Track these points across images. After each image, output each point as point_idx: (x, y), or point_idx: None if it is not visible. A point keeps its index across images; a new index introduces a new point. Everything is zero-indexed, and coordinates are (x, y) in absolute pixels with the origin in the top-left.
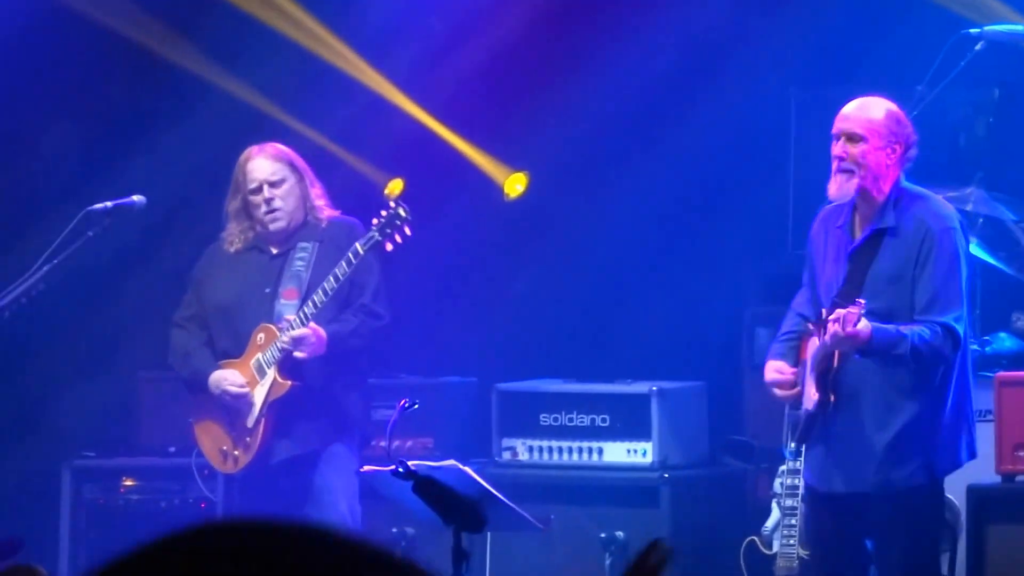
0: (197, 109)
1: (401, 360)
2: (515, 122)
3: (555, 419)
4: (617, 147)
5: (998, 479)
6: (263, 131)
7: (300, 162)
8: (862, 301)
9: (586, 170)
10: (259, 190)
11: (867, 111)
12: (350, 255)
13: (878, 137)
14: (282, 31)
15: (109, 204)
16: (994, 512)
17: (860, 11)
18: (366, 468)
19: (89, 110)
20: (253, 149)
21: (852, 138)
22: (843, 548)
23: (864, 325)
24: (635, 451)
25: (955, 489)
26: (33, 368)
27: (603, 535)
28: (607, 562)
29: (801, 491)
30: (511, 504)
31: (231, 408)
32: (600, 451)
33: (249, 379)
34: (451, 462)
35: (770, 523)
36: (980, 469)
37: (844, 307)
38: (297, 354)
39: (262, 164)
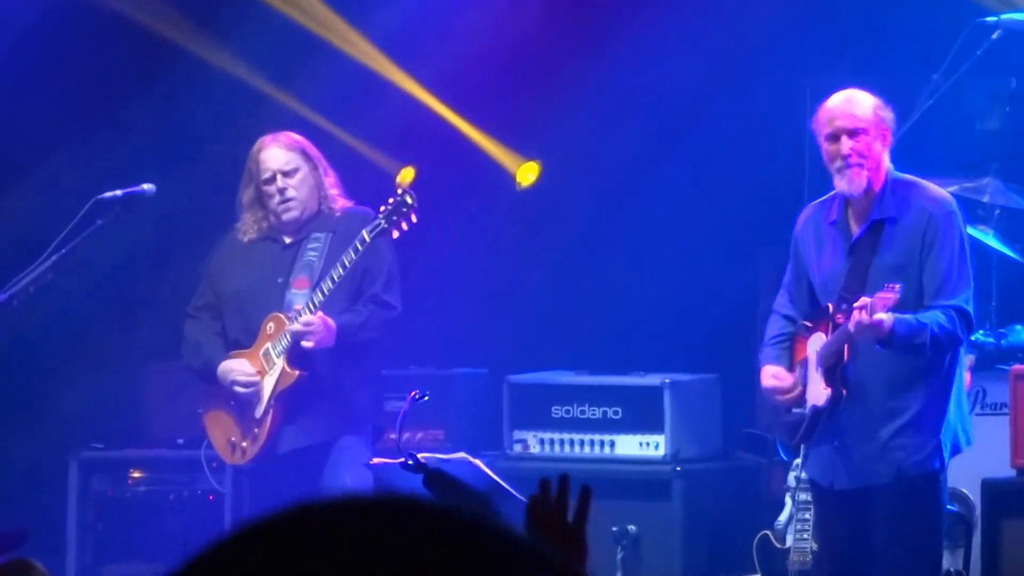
0: (206, 97)
1: (412, 351)
2: (528, 110)
3: (567, 411)
4: (631, 137)
5: (1013, 473)
6: (273, 119)
7: (314, 151)
8: (896, 286)
9: (599, 160)
10: (272, 180)
11: (857, 104)
12: (356, 243)
13: (872, 128)
14: (293, 18)
15: (119, 192)
16: (1009, 506)
17: None
18: (375, 460)
19: (97, 97)
20: (266, 138)
21: (852, 133)
22: (851, 542)
23: (887, 315)
24: (647, 444)
25: (969, 483)
26: (40, 359)
27: (615, 528)
28: (619, 556)
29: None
30: (521, 497)
31: (240, 399)
32: (612, 444)
33: (258, 369)
34: (461, 455)
35: (783, 517)
36: (995, 463)
37: (850, 301)
38: (305, 343)
39: (275, 153)
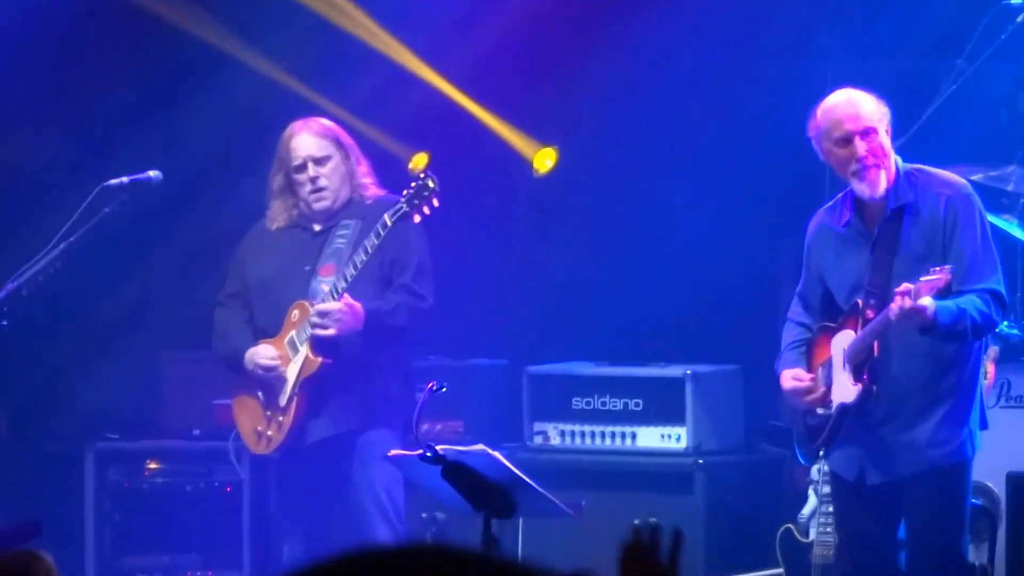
0: (216, 82)
1: (429, 342)
2: (546, 97)
3: (587, 403)
4: (650, 125)
5: None
6: (284, 104)
7: (346, 138)
8: (947, 267)
9: (619, 147)
10: (303, 168)
11: (860, 104)
12: (378, 227)
13: (879, 125)
14: (304, 2)
15: (125, 179)
16: None
17: None
18: (393, 452)
19: (106, 83)
20: (297, 124)
21: (864, 134)
22: (876, 538)
23: (929, 301)
24: (669, 436)
25: (994, 477)
26: (53, 349)
27: (636, 521)
28: None
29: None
30: (541, 489)
31: (267, 387)
32: (633, 436)
33: (283, 356)
34: (480, 447)
35: (806, 510)
36: (1020, 456)
37: (879, 296)
38: (321, 332)
39: (306, 141)
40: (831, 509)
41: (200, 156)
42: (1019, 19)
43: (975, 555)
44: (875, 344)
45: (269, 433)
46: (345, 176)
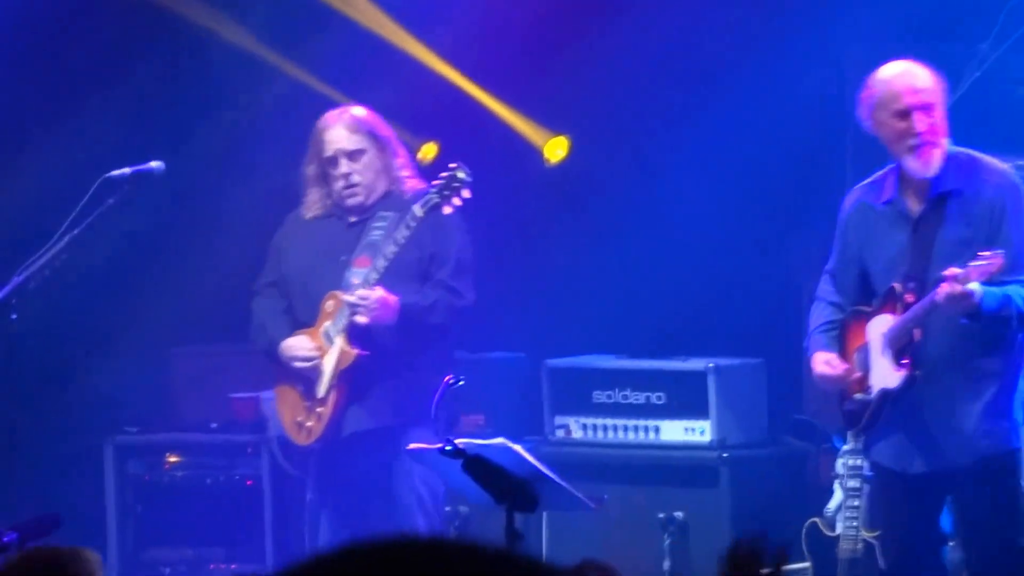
0: (224, 73)
1: None
2: (562, 84)
3: (608, 396)
4: (669, 114)
5: None
6: (292, 94)
7: (383, 130)
8: (999, 251)
9: (638, 137)
10: (336, 162)
11: (921, 78)
12: (408, 219)
13: (941, 102)
14: None
15: (127, 171)
16: None
17: None
18: (413, 446)
19: (110, 74)
20: (331, 116)
21: (924, 109)
22: (919, 530)
23: (976, 287)
24: (693, 430)
25: None
26: (63, 344)
27: (662, 515)
28: (666, 543)
29: (865, 472)
30: (562, 483)
31: (305, 378)
32: (657, 429)
33: (319, 348)
34: (500, 440)
35: (833, 504)
36: None
37: (919, 280)
38: (358, 318)
39: (339, 134)
40: (856, 503)
41: (212, 150)
42: None
43: None
44: (918, 328)
45: (309, 424)
46: (380, 170)
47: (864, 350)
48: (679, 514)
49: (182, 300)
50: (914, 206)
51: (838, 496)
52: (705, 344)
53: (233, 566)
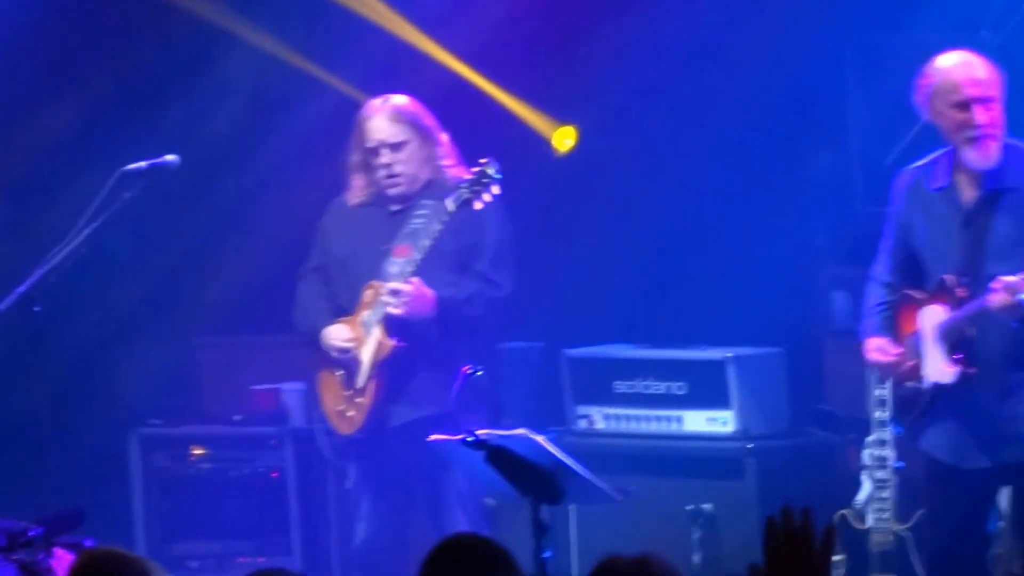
0: (234, 63)
1: None
2: (573, 72)
3: (630, 386)
4: (686, 100)
5: None
6: (299, 84)
7: (426, 120)
8: None
9: (654, 125)
10: (378, 152)
11: (982, 70)
12: (441, 214)
13: (1000, 94)
14: None
15: (144, 164)
16: None
17: None
18: (434, 437)
19: (121, 64)
20: (374, 104)
21: (984, 101)
22: (969, 525)
23: None
24: (715, 420)
25: None
26: (84, 336)
27: (690, 507)
28: (695, 536)
29: (893, 463)
30: (586, 474)
31: (346, 366)
32: (679, 420)
33: (357, 338)
34: (522, 431)
35: (862, 496)
36: None
37: (972, 275)
38: (393, 310)
39: (381, 124)
40: (886, 495)
41: (232, 140)
42: None
43: None
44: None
45: (350, 414)
46: (423, 160)
47: (916, 337)
48: (708, 506)
49: (200, 292)
50: (967, 195)
51: (867, 488)
52: (719, 333)
53: (262, 559)
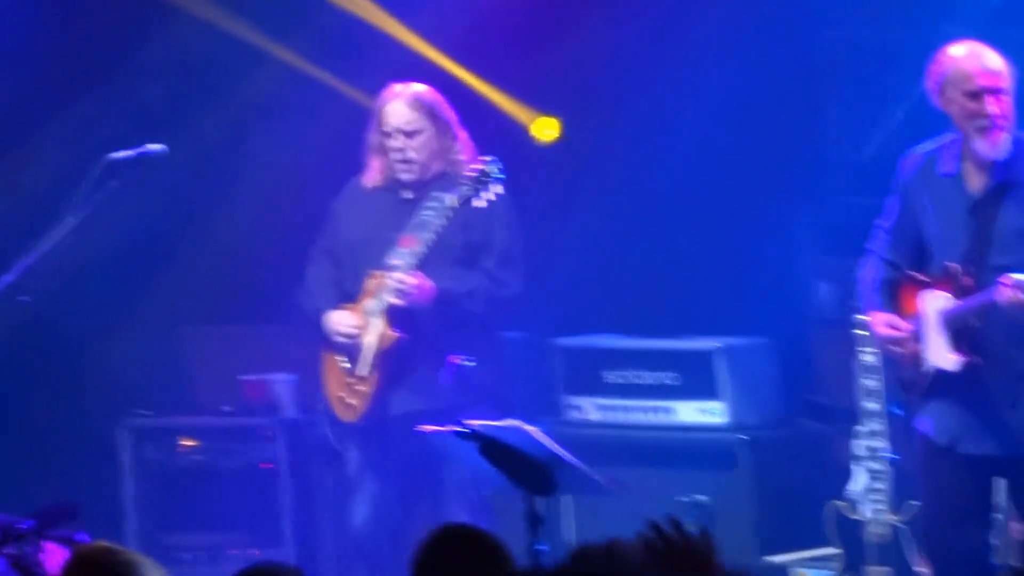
0: (228, 59)
1: None
2: (560, 62)
3: (621, 377)
4: (673, 93)
5: None
6: (291, 78)
7: (444, 111)
8: None
9: (641, 115)
10: (392, 136)
11: (993, 61)
12: (444, 209)
13: (1010, 86)
14: None
15: (131, 153)
16: None
17: None
18: (424, 427)
19: (120, 59)
20: (394, 90)
21: (995, 92)
22: (963, 511)
23: None
24: (706, 411)
25: None
26: (73, 326)
27: (684, 499)
28: (688, 526)
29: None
30: (580, 465)
31: (349, 352)
32: (670, 410)
33: (361, 325)
34: (514, 422)
35: (858, 487)
36: None
37: (978, 264)
38: (396, 300)
39: (398, 109)
40: (882, 486)
41: (219, 130)
42: None
43: None
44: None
45: (352, 401)
46: (437, 151)
47: (918, 320)
48: (703, 498)
49: (189, 281)
50: (974, 183)
51: (861, 479)
52: (707, 323)
53: (255, 551)
